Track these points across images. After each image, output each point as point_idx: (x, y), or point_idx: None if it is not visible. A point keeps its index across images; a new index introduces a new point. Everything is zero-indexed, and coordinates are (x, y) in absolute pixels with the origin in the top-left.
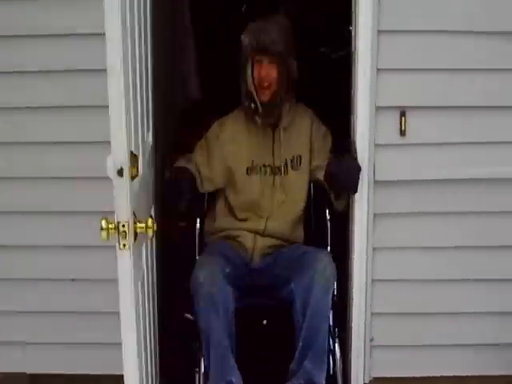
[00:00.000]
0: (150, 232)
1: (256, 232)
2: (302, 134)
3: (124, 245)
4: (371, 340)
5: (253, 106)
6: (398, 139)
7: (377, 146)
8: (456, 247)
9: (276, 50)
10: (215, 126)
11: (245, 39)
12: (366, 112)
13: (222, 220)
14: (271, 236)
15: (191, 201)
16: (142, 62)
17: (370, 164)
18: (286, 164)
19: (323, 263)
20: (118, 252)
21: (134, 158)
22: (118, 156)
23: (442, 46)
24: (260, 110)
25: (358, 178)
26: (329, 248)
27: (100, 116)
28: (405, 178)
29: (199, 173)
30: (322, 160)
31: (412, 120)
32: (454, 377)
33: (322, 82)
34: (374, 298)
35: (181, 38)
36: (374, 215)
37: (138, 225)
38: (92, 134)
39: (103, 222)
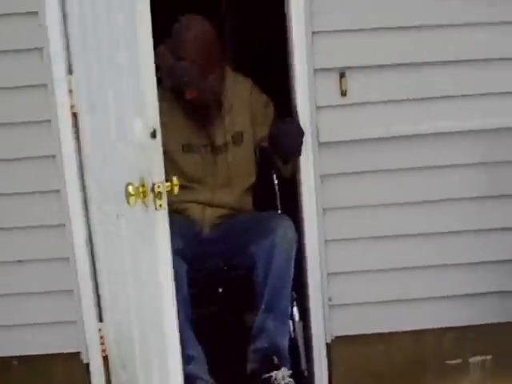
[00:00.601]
0: (176, 189)
1: (204, 203)
2: (242, 109)
3: (160, 205)
4: (329, 300)
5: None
6: (339, 100)
7: (318, 108)
8: (404, 203)
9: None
10: None
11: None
12: (304, 74)
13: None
14: (220, 206)
15: None
16: None
17: (312, 126)
18: (226, 142)
19: (284, 227)
20: (151, 214)
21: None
22: (152, 118)
23: (375, 4)
24: (194, 114)
25: (302, 142)
26: (279, 212)
27: None
28: (348, 139)
29: None
30: (265, 130)
31: (352, 81)
32: (413, 331)
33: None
34: (329, 258)
35: None
36: (321, 177)
37: (166, 184)
38: None
39: (130, 188)
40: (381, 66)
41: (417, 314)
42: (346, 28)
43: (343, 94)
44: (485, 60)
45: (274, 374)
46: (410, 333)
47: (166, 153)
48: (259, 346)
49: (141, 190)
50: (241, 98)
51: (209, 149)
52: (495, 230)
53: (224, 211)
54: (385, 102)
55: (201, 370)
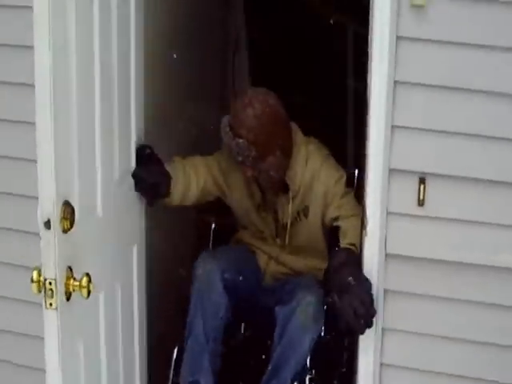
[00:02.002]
0: (85, 292)
1: (270, 256)
2: (310, 184)
3: (50, 304)
4: None
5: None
6: (415, 209)
7: (390, 214)
8: (469, 341)
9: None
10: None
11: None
12: (377, 174)
13: (242, 232)
14: (284, 265)
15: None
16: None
17: (381, 234)
18: (292, 221)
19: (308, 299)
20: (44, 311)
21: (69, 208)
22: (45, 207)
23: (469, 105)
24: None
25: (364, 315)
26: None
27: None
28: (420, 255)
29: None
30: (333, 209)
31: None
32: None
33: None
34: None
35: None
36: (385, 291)
37: (73, 282)
38: None
39: (35, 274)
40: (469, 179)
41: None
42: (431, 127)
43: (420, 203)
44: None
45: None
46: None
47: (238, 208)
48: None
49: (38, 280)
50: (310, 174)
51: (274, 225)
52: None
53: (288, 271)
54: (469, 222)
55: None
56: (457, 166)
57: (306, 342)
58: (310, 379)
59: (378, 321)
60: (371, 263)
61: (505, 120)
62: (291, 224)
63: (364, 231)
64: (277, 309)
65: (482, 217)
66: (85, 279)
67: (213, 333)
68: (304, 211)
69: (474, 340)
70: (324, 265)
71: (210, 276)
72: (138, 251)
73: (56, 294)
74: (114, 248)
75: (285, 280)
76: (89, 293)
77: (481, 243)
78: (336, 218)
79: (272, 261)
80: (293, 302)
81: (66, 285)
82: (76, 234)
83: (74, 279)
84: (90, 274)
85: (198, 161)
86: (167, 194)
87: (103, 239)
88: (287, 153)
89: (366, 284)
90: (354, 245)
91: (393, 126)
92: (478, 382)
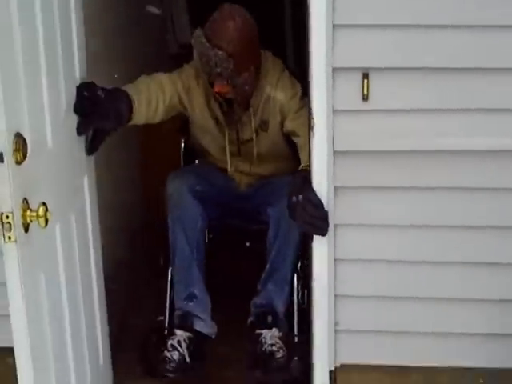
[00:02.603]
0: (42, 222)
1: (241, 172)
2: (267, 99)
3: (9, 237)
4: (336, 324)
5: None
6: (360, 104)
7: (336, 111)
8: (425, 226)
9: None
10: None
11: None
12: (321, 73)
13: (209, 148)
14: (255, 175)
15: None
16: None
17: (328, 132)
18: (252, 137)
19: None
20: (3, 245)
21: (21, 139)
22: None
23: None
24: (224, 107)
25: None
26: None
27: None
28: (367, 149)
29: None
30: (290, 121)
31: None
32: (425, 368)
33: None
34: (339, 280)
35: None
36: (336, 189)
37: (29, 213)
38: None
39: None
40: (411, 69)
41: (432, 349)
42: (373, 23)
43: (365, 98)
44: None
45: (264, 332)
46: (423, 369)
47: (199, 123)
48: (258, 302)
49: None
50: (267, 90)
51: (236, 141)
52: None
53: (259, 177)
54: (411, 111)
55: (201, 309)
56: (398, 57)
57: (297, 235)
58: (301, 267)
59: (330, 219)
60: (320, 162)
61: (445, 7)
62: (252, 139)
63: (311, 132)
64: (269, 209)
65: (425, 104)
66: (41, 209)
67: (195, 244)
68: (263, 126)
69: (427, 224)
70: (292, 165)
71: (180, 192)
72: (89, 182)
73: (14, 226)
74: (66, 179)
75: (260, 184)
76: (46, 222)
77: (426, 130)
78: (292, 132)
79: (243, 174)
80: (283, 200)
81: (24, 216)
82: (29, 166)
83: (31, 210)
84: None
85: (163, 78)
86: (129, 119)
87: (55, 170)
88: (258, 69)
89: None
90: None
91: (334, 25)
92: (436, 265)
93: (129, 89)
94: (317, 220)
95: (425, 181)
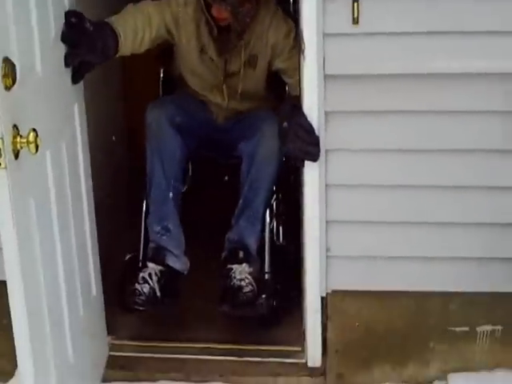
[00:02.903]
0: (32, 148)
1: (219, 106)
2: (260, 36)
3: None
4: (328, 250)
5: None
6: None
7: (326, 35)
8: (415, 150)
9: None
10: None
11: None
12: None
13: (188, 79)
14: (233, 109)
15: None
16: None
17: (318, 56)
18: (240, 68)
19: (270, 131)
20: None
21: (10, 64)
22: None
23: None
24: (215, 33)
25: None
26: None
27: None
28: (357, 72)
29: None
30: (282, 61)
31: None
32: (416, 292)
33: None
34: (330, 205)
35: None
36: (326, 113)
37: (20, 140)
38: None
39: None
40: None
41: (423, 274)
42: None
43: (355, 21)
44: None
45: (234, 267)
46: (413, 294)
47: (183, 53)
48: (231, 237)
49: None
50: (260, 26)
51: (222, 71)
52: None
53: (236, 112)
54: (402, 34)
55: (174, 244)
56: None
57: (272, 171)
58: (276, 203)
59: (321, 142)
60: (311, 86)
61: None
62: (239, 72)
63: (302, 56)
64: (241, 145)
65: (415, 27)
66: (32, 134)
67: (173, 177)
68: (251, 61)
69: (411, 148)
70: (268, 105)
71: (159, 122)
72: (79, 110)
73: (4, 152)
74: (56, 106)
75: (236, 118)
76: (37, 148)
77: (416, 53)
78: (284, 71)
79: (221, 108)
80: (256, 136)
81: (14, 143)
82: (19, 92)
83: (21, 136)
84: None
85: (151, 8)
86: (115, 53)
87: (45, 97)
88: (257, 2)
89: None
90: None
91: None
92: (426, 189)
93: (115, 21)
94: (308, 145)
95: (415, 104)
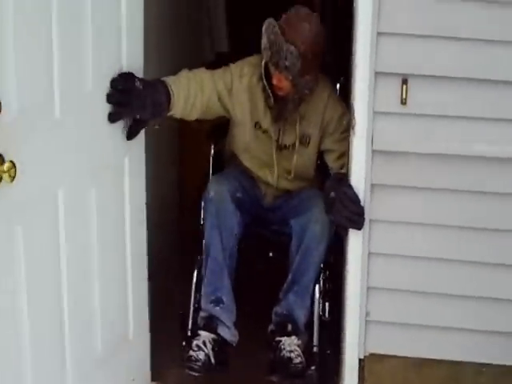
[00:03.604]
0: (6, 177)
1: (268, 183)
2: (316, 113)
3: None
4: (367, 315)
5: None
6: (398, 108)
7: (376, 113)
8: (456, 227)
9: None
10: (234, 73)
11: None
12: (365, 77)
13: (240, 156)
14: (282, 189)
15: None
16: None
17: (368, 132)
18: (294, 143)
19: (320, 209)
20: None
21: None
22: None
23: (449, 11)
24: (271, 102)
25: (353, 215)
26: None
27: None
28: (402, 149)
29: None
30: (332, 142)
31: (414, 89)
32: (449, 362)
33: None
34: (371, 272)
35: None
36: (372, 186)
37: None
38: None
39: None
40: (448, 78)
41: (456, 343)
42: (414, 32)
43: (403, 102)
44: None
45: (283, 339)
46: (446, 363)
47: (237, 126)
48: (279, 311)
49: None
50: (317, 103)
51: (275, 143)
52: None
53: (284, 192)
54: (447, 117)
55: (226, 316)
56: (436, 66)
57: (322, 249)
58: (323, 280)
59: (366, 213)
60: (359, 160)
61: (482, 22)
62: (294, 145)
63: (352, 130)
64: (292, 222)
65: (458, 111)
66: (6, 165)
67: (229, 251)
68: (305, 139)
69: (457, 225)
70: (314, 186)
71: (222, 196)
72: (129, 163)
73: None
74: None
75: (284, 197)
76: (10, 178)
77: (458, 135)
78: (331, 153)
79: (271, 187)
80: (307, 213)
81: None
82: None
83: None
84: None
85: (204, 76)
86: (168, 111)
87: (64, 141)
88: (317, 76)
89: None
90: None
91: (378, 33)
92: (463, 264)
93: (169, 80)
94: (353, 215)
95: (455, 184)
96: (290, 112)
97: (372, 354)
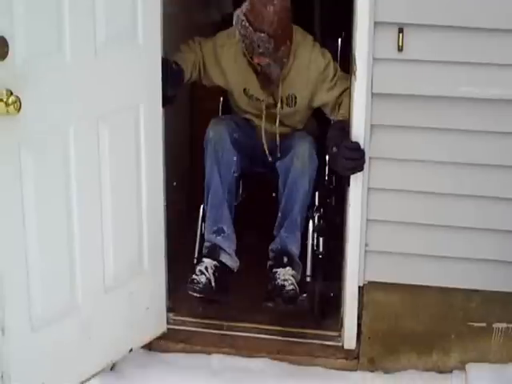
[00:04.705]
0: (12, 109)
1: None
2: (300, 73)
3: None
4: (366, 245)
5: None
6: (395, 54)
7: (375, 60)
8: (449, 163)
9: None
10: (216, 43)
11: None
12: (365, 27)
13: (236, 108)
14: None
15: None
16: None
17: (368, 77)
18: (281, 102)
19: (302, 148)
20: None
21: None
22: None
23: None
24: (259, 69)
25: (356, 163)
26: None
27: None
28: (399, 92)
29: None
30: (324, 93)
31: (409, 37)
32: (441, 288)
33: None
34: (370, 206)
35: None
36: (372, 126)
37: (6, 100)
38: None
39: None
40: (438, 27)
41: (448, 271)
42: None
43: (400, 49)
44: None
45: (279, 270)
46: (439, 289)
47: (230, 93)
48: (274, 247)
49: None
50: (300, 63)
51: (263, 104)
52: None
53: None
54: (440, 62)
55: (227, 244)
56: (429, 16)
57: (306, 182)
58: (313, 213)
59: (366, 152)
60: (360, 102)
61: None
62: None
63: (353, 76)
64: (278, 163)
65: (452, 56)
66: (11, 98)
67: (228, 186)
68: (290, 99)
69: (443, 160)
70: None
71: (220, 136)
72: (144, 111)
73: None
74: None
75: (275, 142)
76: (16, 109)
77: (451, 78)
78: (326, 104)
79: (265, 132)
80: (290, 153)
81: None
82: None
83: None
84: None
85: (206, 48)
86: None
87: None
88: (291, 40)
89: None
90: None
91: None
92: (444, 196)
93: (179, 59)
94: (355, 161)
95: (446, 123)
96: (274, 78)
97: (370, 282)
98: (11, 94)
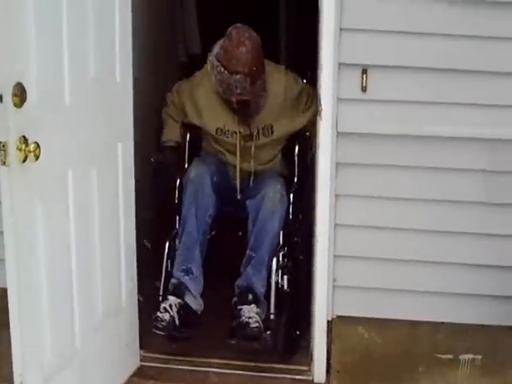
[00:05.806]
0: (32, 156)
1: (235, 166)
2: (276, 103)
3: (4, 162)
4: (334, 280)
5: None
6: (359, 95)
7: (339, 100)
8: (411, 199)
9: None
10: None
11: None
12: (329, 68)
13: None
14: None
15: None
16: None
17: (333, 116)
18: (257, 132)
19: (273, 189)
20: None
21: (20, 88)
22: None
23: (401, 10)
24: (236, 107)
25: None
26: (296, 179)
27: None
28: (363, 131)
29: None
30: (301, 116)
31: (373, 77)
32: (409, 321)
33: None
34: (337, 242)
35: None
36: (337, 164)
37: (24, 147)
38: None
39: None
40: (400, 68)
41: (415, 304)
42: (372, 28)
43: (363, 89)
44: (507, 73)
45: (244, 307)
46: (406, 322)
47: (205, 131)
48: (240, 283)
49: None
50: (275, 92)
51: (240, 136)
52: (500, 236)
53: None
54: (402, 102)
55: (194, 286)
56: (391, 58)
57: (276, 223)
58: (277, 251)
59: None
60: (326, 142)
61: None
62: (256, 139)
63: (319, 116)
64: (248, 202)
65: (415, 96)
66: (32, 146)
67: (202, 228)
68: (266, 130)
69: (410, 198)
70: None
71: (201, 179)
72: (123, 149)
73: (9, 155)
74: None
75: (248, 181)
76: (35, 157)
77: (411, 118)
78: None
79: (236, 169)
80: (261, 193)
81: (20, 148)
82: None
83: (26, 145)
84: None
85: (184, 93)
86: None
87: (76, 124)
88: (264, 72)
89: None
90: None
91: (341, 29)
92: (411, 232)
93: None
94: None
95: (408, 161)
96: (253, 111)
97: (339, 316)
98: (27, 140)
